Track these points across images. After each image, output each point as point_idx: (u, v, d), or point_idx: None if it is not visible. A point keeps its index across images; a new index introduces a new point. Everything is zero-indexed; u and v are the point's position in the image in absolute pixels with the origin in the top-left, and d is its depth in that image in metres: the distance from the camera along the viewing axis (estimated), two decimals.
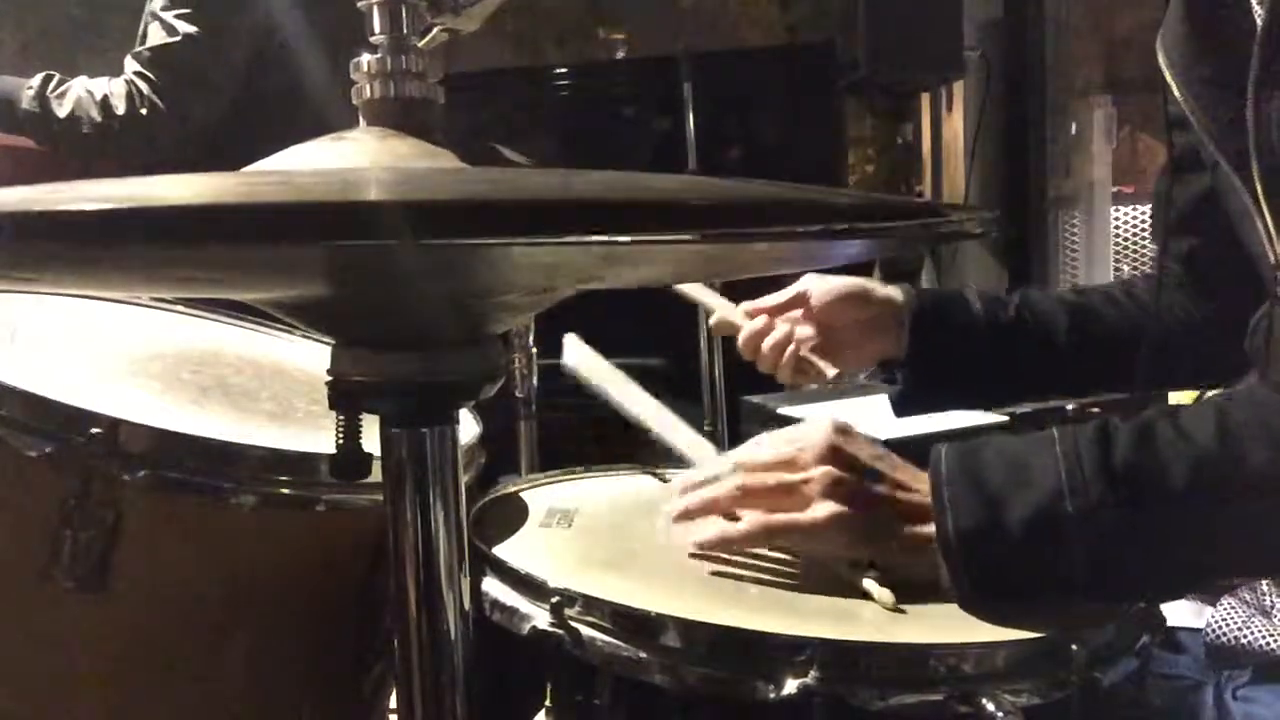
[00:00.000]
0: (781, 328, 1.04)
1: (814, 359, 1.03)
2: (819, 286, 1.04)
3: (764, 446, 0.76)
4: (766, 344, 1.04)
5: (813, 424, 0.75)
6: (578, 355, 1.03)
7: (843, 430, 0.75)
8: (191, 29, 1.69)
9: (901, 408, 1.07)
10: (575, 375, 1.01)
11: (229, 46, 1.73)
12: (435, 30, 0.62)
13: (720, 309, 1.08)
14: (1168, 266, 1.04)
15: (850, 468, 0.72)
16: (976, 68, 3.08)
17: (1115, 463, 0.65)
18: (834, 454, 0.73)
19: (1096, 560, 0.65)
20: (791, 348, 1.03)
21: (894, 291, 1.04)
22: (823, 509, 0.70)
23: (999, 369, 1.04)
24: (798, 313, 1.05)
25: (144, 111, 1.69)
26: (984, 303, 1.03)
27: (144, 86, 1.69)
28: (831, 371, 1.02)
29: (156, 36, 1.71)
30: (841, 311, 1.04)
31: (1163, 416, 0.68)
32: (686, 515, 0.75)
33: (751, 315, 1.06)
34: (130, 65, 1.72)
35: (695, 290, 1.10)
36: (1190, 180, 0.95)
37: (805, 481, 0.72)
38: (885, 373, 1.08)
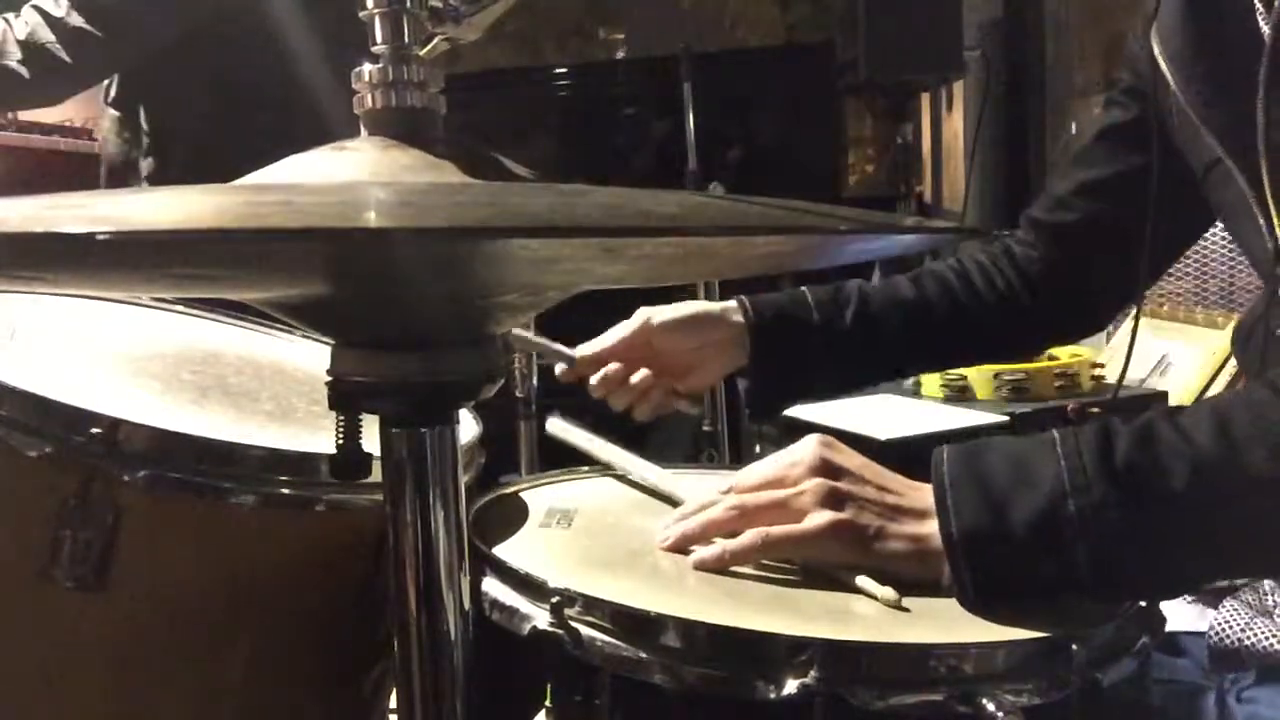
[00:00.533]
0: (640, 372, 1.04)
1: (676, 397, 1.07)
2: (657, 318, 1.05)
3: (753, 471, 0.77)
4: (630, 384, 1.04)
5: (799, 443, 0.76)
6: (563, 431, 1.05)
7: (828, 444, 0.76)
8: None
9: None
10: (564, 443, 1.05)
11: None
12: (436, 39, 0.62)
13: (561, 357, 1.07)
14: (1023, 234, 1.12)
15: (840, 477, 0.73)
16: (976, 68, 3.08)
17: (1117, 463, 0.65)
18: (824, 466, 0.74)
19: (1099, 560, 0.65)
20: (658, 393, 1.05)
21: (731, 308, 1.08)
22: (819, 518, 0.71)
23: (836, 370, 1.12)
24: (642, 346, 1.05)
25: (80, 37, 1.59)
26: (820, 309, 1.08)
27: (57, 11, 1.60)
28: (694, 410, 1.08)
29: None
30: (684, 338, 1.06)
31: (1163, 418, 0.68)
32: (685, 540, 0.76)
33: (598, 359, 1.05)
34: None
35: (530, 339, 1.09)
36: (1120, 150, 1.02)
37: (799, 494, 0.72)
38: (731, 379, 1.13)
